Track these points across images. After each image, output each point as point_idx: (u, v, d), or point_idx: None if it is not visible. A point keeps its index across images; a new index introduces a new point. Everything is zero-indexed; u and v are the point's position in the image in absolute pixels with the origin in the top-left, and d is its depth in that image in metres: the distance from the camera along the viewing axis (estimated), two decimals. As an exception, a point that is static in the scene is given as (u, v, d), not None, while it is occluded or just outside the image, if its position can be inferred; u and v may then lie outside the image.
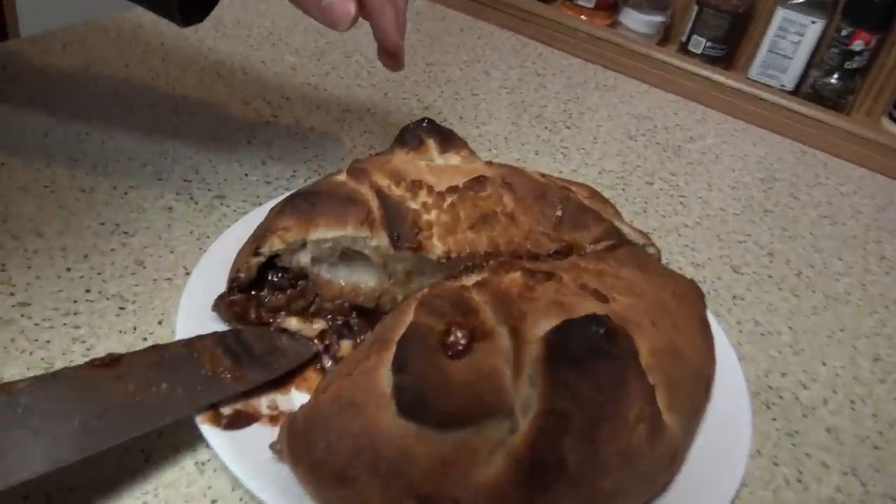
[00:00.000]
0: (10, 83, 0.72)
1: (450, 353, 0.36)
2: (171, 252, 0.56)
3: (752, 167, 0.86)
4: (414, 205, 0.48)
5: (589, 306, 0.40)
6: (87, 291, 0.51)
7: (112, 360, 0.40)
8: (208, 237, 0.58)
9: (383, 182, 0.49)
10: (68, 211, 0.58)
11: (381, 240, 0.47)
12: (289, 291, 0.49)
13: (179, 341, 0.44)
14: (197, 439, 0.42)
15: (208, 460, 0.42)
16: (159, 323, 0.49)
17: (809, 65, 0.97)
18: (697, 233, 0.71)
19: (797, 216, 0.78)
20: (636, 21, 1.03)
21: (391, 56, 0.56)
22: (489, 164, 0.54)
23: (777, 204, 0.79)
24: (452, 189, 0.49)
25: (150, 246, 0.56)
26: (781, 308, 0.64)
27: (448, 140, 0.55)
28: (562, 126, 0.85)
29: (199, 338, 0.44)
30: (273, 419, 0.43)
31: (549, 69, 0.98)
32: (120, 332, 0.48)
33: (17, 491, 0.35)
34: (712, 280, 0.65)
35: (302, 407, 0.39)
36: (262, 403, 0.44)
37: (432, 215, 0.48)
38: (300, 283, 0.49)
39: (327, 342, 0.48)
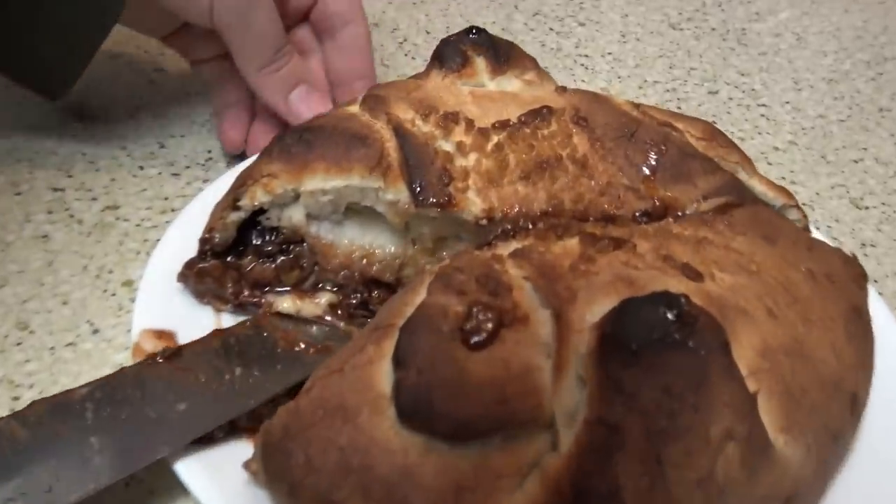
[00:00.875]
0: None
1: (469, 343, 0.37)
2: (64, 304, 0.54)
3: (849, 45, 0.84)
4: (446, 146, 0.48)
5: (669, 284, 0.40)
6: None
7: (172, 353, 0.46)
8: (110, 271, 0.56)
9: (406, 115, 0.49)
10: None
11: (397, 192, 0.47)
12: (279, 259, 0.50)
13: (244, 321, 0.49)
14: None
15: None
16: None
17: None
18: (794, 157, 0.69)
19: None
20: None
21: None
22: (562, 90, 0.53)
23: (895, 96, 0.81)
24: (501, 125, 0.49)
25: (33, 298, 0.54)
26: None
27: (505, 57, 0.54)
28: (573, 24, 0.82)
29: (263, 315, 0.49)
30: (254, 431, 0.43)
31: None
32: None
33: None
34: (828, 223, 0.62)
35: (279, 412, 0.39)
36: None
37: (470, 160, 0.48)
38: (293, 248, 0.50)
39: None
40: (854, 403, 0.44)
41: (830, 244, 0.52)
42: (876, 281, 0.59)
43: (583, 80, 0.76)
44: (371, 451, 0.36)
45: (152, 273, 0.50)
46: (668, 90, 0.77)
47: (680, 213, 0.49)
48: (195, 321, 0.49)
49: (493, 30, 0.79)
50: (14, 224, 0.59)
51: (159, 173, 0.63)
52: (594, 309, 0.38)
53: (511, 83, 0.54)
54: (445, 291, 0.40)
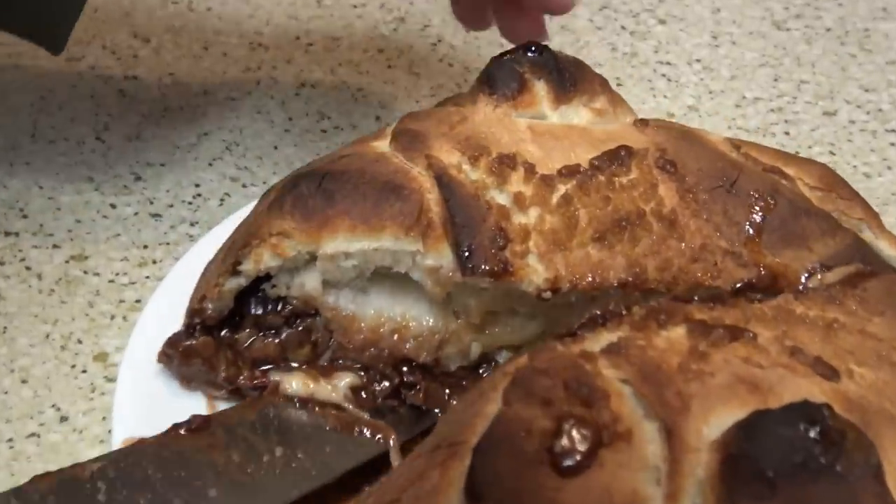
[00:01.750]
0: None
1: (561, 468, 0.38)
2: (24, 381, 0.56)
3: None
4: (500, 198, 0.49)
5: (802, 386, 0.41)
6: None
7: (199, 425, 0.48)
8: (79, 341, 0.59)
9: (450, 157, 0.50)
10: None
11: (440, 256, 0.49)
12: (284, 333, 0.52)
13: (290, 395, 0.51)
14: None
15: None
16: None
17: None
18: None
19: None
20: None
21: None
22: (643, 123, 0.54)
23: None
24: (569, 171, 0.50)
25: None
26: None
27: (571, 81, 0.56)
28: (651, 21, 0.86)
29: (270, 396, 0.52)
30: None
31: None
32: None
33: None
34: None
35: None
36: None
37: (531, 216, 0.49)
38: (303, 320, 0.52)
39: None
40: None
41: None
42: None
43: (665, 97, 0.79)
44: None
45: (133, 358, 0.52)
46: (772, 110, 0.79)
47: (800, 287, 0.51)
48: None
49: (552, 28, 0.77)
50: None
51: (136, 213, 0.66)
52: (713, 421, 0.39)
53: (578, 114, 0.55)
54: (527, 401, 0.40)
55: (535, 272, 0.48)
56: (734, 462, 0.36)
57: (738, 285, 0.50)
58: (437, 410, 0.52)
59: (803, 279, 0.51)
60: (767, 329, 0.45)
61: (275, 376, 0.52)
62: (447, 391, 0.54)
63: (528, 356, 0.44)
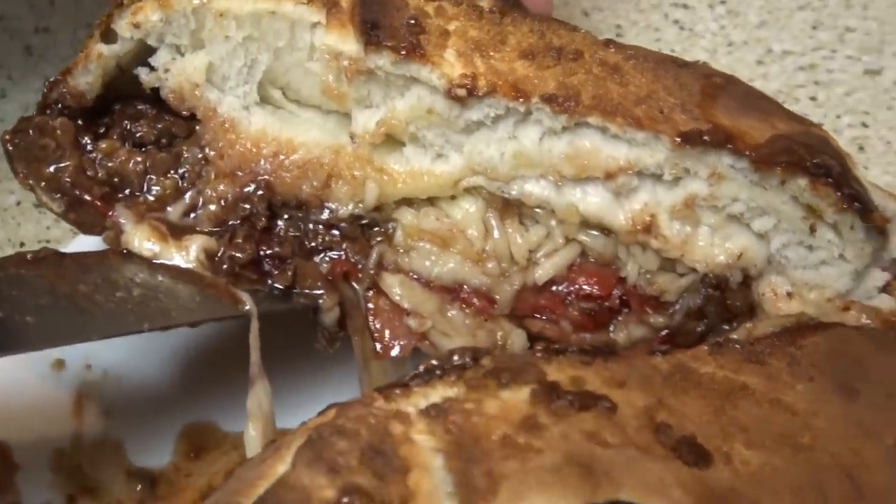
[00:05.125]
0: None
1: None
2: None
3: None
4: (424, 4, 0.49)
5: (651, 472, 0.39)
6: None
7: (48, 256, 0.50)
8: None
9: None
10: None
11: (343, 42, 0.46)
12: (151, 152, 0.49)
13: (86, 252, 0.53)
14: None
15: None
16: None
17: None
18: None
19: None
20: None
21: None
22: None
23: None
24: (500, 7, 0.50)
25: None
26: None
27: None
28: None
29: (111, 251, 0.53)
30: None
31: None
32: None
33: None
34: None
35: None
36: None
37: (454, 24, 0.48)
38: (176, 142, 0.50)
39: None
40: None
41: None
42: None
43: (672, 50, 0.74)
44: None
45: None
46: (801, 67, 0.74)
47: (720, 340, 0.49)
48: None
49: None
50: None
51: (17, 204, 0.68)
52: None
53: None
54: (315, 466, 0.40)
55: (450, 65, 0.46)
56: None
57: (685, 133, 0.49)
58: (305, 290, 0.51)
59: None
60: (640, 397, 0.44)
61: (122, 215, 0.51)
62: (321, 268, 0.52)
63: (336, 410, 0.43)
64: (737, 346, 0.48)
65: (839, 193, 0.46)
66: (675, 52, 0.74)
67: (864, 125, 0.69)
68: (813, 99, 0.70)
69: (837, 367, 0.47)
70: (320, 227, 0.49)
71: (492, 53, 0.47)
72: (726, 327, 0.51)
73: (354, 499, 0.38)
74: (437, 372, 0.44)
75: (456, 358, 0.45)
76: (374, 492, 0.38)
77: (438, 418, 0.41)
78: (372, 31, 0.45)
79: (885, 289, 0.51)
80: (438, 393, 0.43)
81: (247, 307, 0.49)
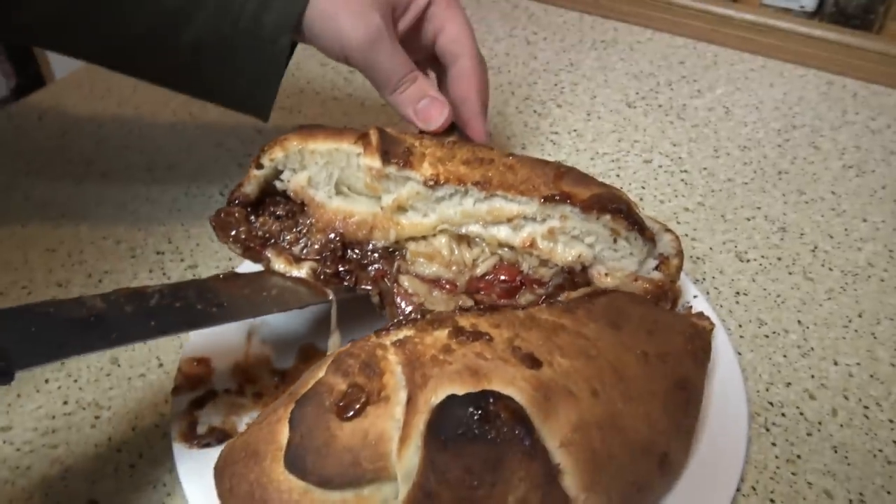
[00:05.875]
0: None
1: (343, 416, 0.38)
2: (144, 343, 0.57)
3: (767, 116, 0.81)
4: (413, 141, 0.53)
5: (509, 373, 0.40)
6: (65, 403, 0.54)
7: (228, 275, 0.50)
8: None
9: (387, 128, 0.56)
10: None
11: (373, 161, 0.50)
12: (282, 220, 0.52)
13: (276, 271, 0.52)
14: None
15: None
16: (133, 429, 0.51)
17: (831, -22, 0.87)
18: (699, 216, 0.71)
19: (817, 172, 0.74)
20: (631, -42, 0.94)
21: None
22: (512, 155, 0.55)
23: (794, 160, 0.76)
24: (453, 141, 0.54)
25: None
26: (791, 299, 0.62)
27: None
28: (552, 106, 0.87)
29: (266, 270, 0.52)
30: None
31: (541, 33, 0.98)
32: (95, 445, 0.51)
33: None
34: (713, 275, 0.64)
35: (226, 445, 0.43)
36: (243, 421, 0.49)
37: (428, 150, 0.52)
38: (295, 213, 0.52)
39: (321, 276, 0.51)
40: (664, 461, 0.44)
41: (706, 310, 0.52)
42: (741, 326, 0.52)
43: (549, 154, 0.78)
44: (268, 488, 0.39)
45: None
46: (612, 161, 0.79)
47: (552, 301, 0.48)
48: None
49: (492, 113, 0.79)
50: (125, 280, 0.62)
51: None
52: (439, 394, 0.38)
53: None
54: (336, 372, 0.41)
55: (425, 169, 0.49)
56: (430, 426, 0.36)
57: (543, 198, 0.46)
58: (362, 287, 0.51)
59: (550, 287, 0.49)
60: (506, 331, 0.42)
61: (269, 252, 0.52)
62: (370, 275, 0.51)
63: (351, 343, 0.43)
64: (560, 303, 0.48)
65: (627, 221, 0.48)
66: (550, 155, 0.75)
67: (643, 187, 0.71)
68: (617, 175, 0.72)
69: (610, 313, 0.47)
70: (368, 253, 0.52)
71: (447, 163, 0.50)
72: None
73: (355, 389, 0.39)
74: (404, 322, 0.45)
75: (414, 315, 0.48)
76: (364, 385, 0.39)
77: (400, 346, 0.42)
78: (385, 155, 0.49)
79: (657, 268, 0.51)
80: (402, 333, 0.43)
81: (330, 297, 0.51)
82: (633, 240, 0.49)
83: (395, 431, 0.38)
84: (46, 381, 0.55)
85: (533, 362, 0.41)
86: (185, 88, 0.62)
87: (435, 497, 0.36)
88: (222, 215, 0.53)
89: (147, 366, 0.55)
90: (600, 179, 0.70)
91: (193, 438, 0.48)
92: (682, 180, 0.72)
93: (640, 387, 0.43)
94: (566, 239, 0.50)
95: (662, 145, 0.77)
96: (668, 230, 0.51)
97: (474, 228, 0.50)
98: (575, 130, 0.79)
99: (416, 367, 0.40)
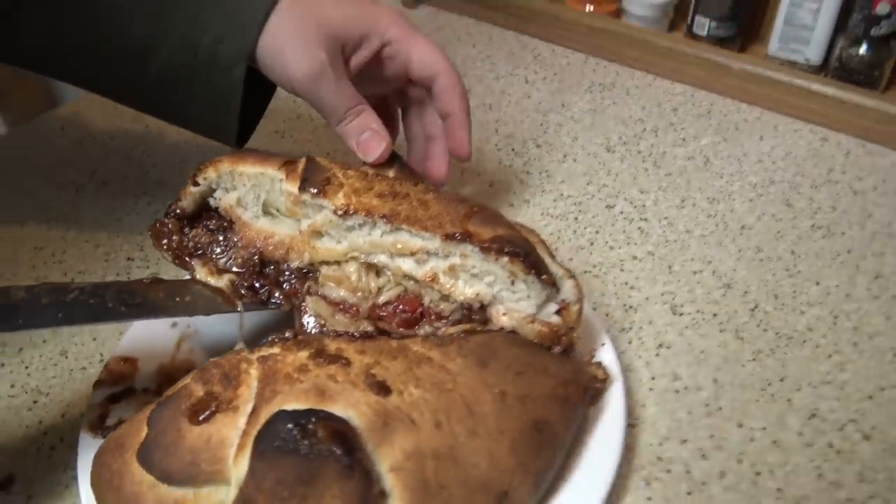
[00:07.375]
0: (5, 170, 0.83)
1: (194, 419, 0.41)
2: (94, 339, 0.62)
3: (747, 169, 0.79)
4: (337, 172, 0.54)
5: (355, 396, 0.42)
6: (12, 387, 0.58)
7: (153, 280, 0.52)
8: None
9: (320, 158, 0.57)
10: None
11: (292, 187, 0.53)
12: (212, 233, 0.56)
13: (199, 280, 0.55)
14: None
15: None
16: (62, 416, 0.55)
17: (836, 32, 0.85)
18: (645, 265, 0.69)
19: (782, 230, 0.71)
20: (640, 5, 0.95)
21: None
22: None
23: (762, 216, 0.73)
24: (376, 174, 0.56)
25: (78, 334, 0.63)
26: (714, 356, 0.60)
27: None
28: (532, 146, 0.86)
29: (191, 280, 0.55)
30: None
31: (541, 72, 0.99)
32: (27, 426, 0.55)
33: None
34: (641, 325, 0.63)
35: (109, 435, 0.45)
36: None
37: (348, 181, 0.54)
38: (224, 227, 0.55)
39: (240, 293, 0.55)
40: (502, 500, 0.43)
41: (609, 360, 0.52)
42: (654, 378, 0.54)
43: (514, 193, 0.79)
44: (124, 478, 0.42)
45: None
46: (574, 204, 0.79)
47: (435, 334, 0.49)
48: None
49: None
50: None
51: None
52: (283, 409, 0.40)
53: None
54: (198, 380, 0.44)
55: (338, 199, 0.51)
56: (257, 436, 0.38)
57: (446, 236, 0.48)
58: (272, 301, 0.54)
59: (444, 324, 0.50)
60: (368, 358, 0.44)
61: (195, 262, 0.56)
62: (284, 291, 0.54)
63: (222, 357, 0.45)
64: (436, 337, 0.49)
65: (524, 265, 0.49)
66: (515, 193, 0.76)
67: (597, 232, 0.71)
68: (576, 219, 0.72)
69: (482, 351, 0.48)
70: (283, 271, 0.55)
71: (362, 195, 0.52)
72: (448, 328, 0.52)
73: (209, 397, 0.42)
74: (276, 341, 0.48)
75: (287, 335, 0.49)
76: (219, 394, 0.42)
77: (262, 362, 0.45)
78: (304, 182, 0.52)
79: (558, 313, 0.51)
80: (270, 351, 0.46)
81: (239, 308, 0.54)
82: (530, 283, 0.49)
83: (235, 439, 0.40)
84: (2, 364, 0.59)
85: (381, 389, 0.43)
86: (160, 115, 0.67)
87: (253, 502, 0.39)
88: (157, 225, 0.57)
89: (90, 360, 0.59)
90: (557, 221, 0.73)
91: (100, 429, 0.51)
92: (640, 228, 0.71)
93: (490, 424, 0.43)
94: (466, 277, 0.51)
95: (630, 192, 0.75)
96: (572, 276, 0.52)
97: (382, 258, 0.52)
98: (546, 171, 0.78)
99: (269, 382, 0.42)
